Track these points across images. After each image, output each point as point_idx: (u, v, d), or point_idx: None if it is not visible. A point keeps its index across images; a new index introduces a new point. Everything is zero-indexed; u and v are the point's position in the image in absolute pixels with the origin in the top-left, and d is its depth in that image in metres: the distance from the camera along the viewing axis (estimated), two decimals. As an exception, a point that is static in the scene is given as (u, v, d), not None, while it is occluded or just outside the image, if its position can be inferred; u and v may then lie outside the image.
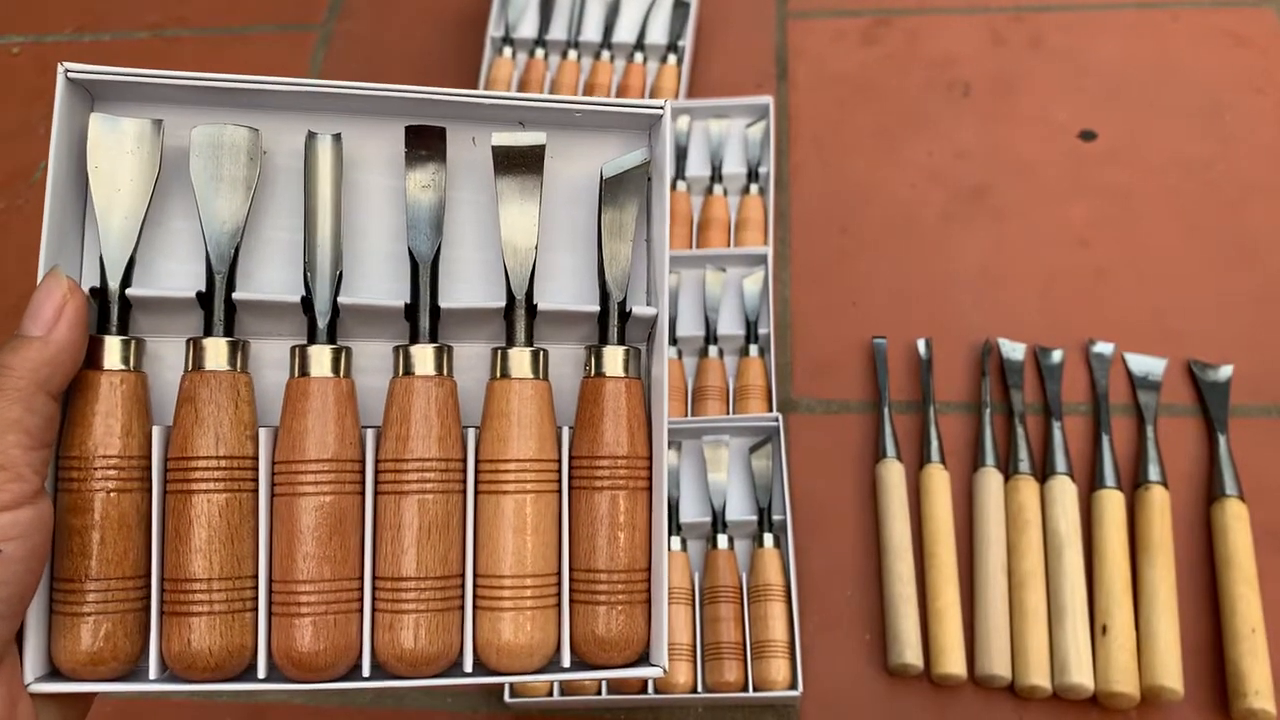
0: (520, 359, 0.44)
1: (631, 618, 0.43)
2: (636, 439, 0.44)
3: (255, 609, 0.41)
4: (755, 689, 0.72)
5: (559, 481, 0.44)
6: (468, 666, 0.42)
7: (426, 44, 1.14)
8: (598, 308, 0.45)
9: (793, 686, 0.71)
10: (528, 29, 1.09)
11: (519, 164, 0.45)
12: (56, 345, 0.40)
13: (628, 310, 0.45)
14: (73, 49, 1.16)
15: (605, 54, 1.07)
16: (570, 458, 0.44)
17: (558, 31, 1.09)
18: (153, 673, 0.41)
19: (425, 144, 0.45)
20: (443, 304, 0.44)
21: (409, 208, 0.44)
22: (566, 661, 0.43)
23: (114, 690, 0.40)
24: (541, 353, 0.44)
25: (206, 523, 0.40)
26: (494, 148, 0.45)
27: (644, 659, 0.44)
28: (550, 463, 0.43)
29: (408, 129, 0.45)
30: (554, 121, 0.47)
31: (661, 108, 0.46)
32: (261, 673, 0.41)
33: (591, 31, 1.09)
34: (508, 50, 1.08)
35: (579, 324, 0.46)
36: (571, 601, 0.43)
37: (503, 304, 0.44)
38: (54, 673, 0.41)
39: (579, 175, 0.48)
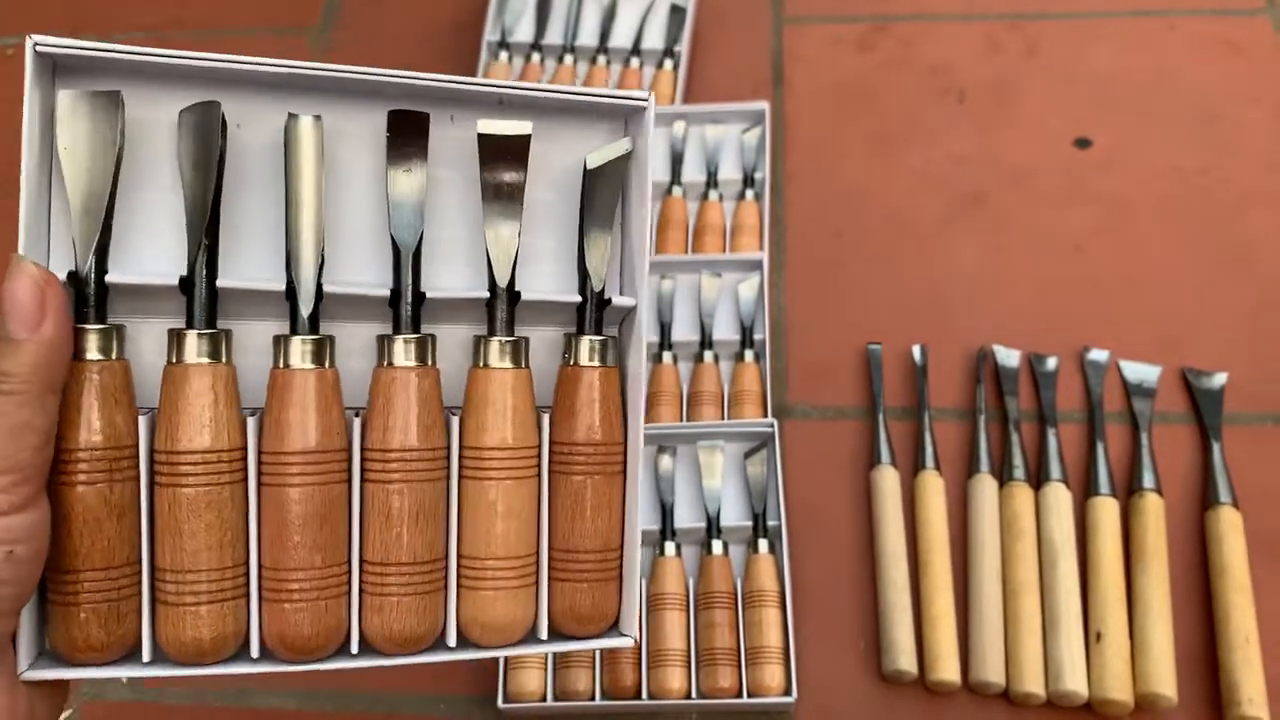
0: (501, 349, 0.45)
1: (606, 593, 0.46)
2: (612, 426, 0.46)
3: (247, 595, 0.42)
4: (750, 695, 0.71)
5: (539, 466, 0.45)
6: (451, 642, 0.44)
7: (422, 47, 1.14)
8: (579, 298, 0.46)
9: (787, 693, 0.71)
10: (524, 33, 1.09)
11: (504, 155, 0.44)
12: (50, 344, 0.39)
13: (607, 299, 0.46)
14: (67, 50, 1.16)
15: (601, 59, 1.07)
16: (550, 443, 0.46)
17: (554, 36, 1.09)
18: (145, 656, 0.41)
19: (407, 130, 0.44)
20: (427, 292, 0.44)
21: (391, 196, 0.44)
22: (544, 634, 0.46)
23: (108, 676, 0.41)
24: (523, 341, 0.45)
25: (199, 513, 0.41)
26: (480, 136, 0.44)
27: (614, 630, 0.47)
28: (530, 449, 0.45)
29: (390, 114, 0.44)
30: (540, 106, 0.47)
31: (645, 99, 0.46)
32: (255, 653, 0.42)
33: (588, 36, 1.09)
34: (504, 54, 1.08)
35: (562, 309, 0.47)
36: (551, 579, 0.46)
37: (485, 294, 0.45)
38: (44, 661, 0.41)
39: (566, 162, 0.48)
